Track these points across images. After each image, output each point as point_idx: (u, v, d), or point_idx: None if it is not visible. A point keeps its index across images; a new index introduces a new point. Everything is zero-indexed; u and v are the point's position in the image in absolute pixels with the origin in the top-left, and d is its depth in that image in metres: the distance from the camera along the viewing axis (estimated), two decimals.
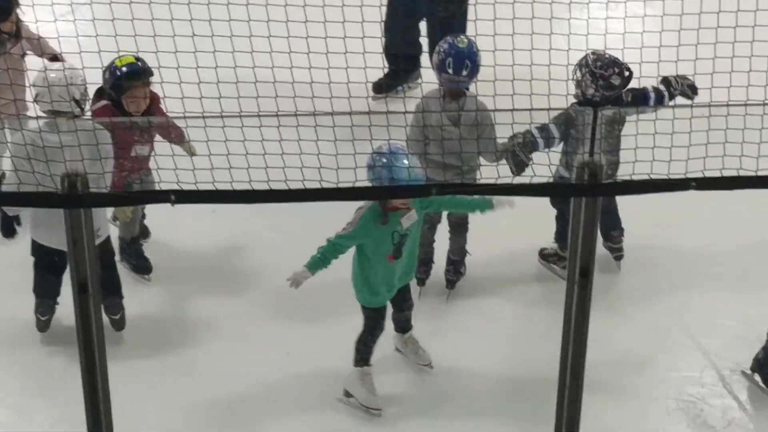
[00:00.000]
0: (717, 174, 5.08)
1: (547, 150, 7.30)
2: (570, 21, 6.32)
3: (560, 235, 7.87)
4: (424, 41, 9.41)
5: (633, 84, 7.41)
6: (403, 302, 7.16)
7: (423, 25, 9.44)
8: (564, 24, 6.22)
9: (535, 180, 5.65)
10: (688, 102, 7.28)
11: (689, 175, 5.00)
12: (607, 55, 7.26)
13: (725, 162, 5.27)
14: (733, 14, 5.90)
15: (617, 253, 8.05)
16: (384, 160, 6.42)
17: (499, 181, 5.65)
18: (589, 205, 5.27)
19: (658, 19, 6.18)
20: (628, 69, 7.25)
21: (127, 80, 7.28)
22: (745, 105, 5.51)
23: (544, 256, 8.13)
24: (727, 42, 5.72)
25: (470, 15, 6.16)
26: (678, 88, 7.46)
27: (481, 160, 7.38)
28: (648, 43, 6.03)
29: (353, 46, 5.86)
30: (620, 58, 7.17)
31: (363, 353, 7.03)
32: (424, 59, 9.21)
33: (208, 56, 5.85)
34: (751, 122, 5.47)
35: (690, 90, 7.44)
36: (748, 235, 8.36)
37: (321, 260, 6.67)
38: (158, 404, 7.00)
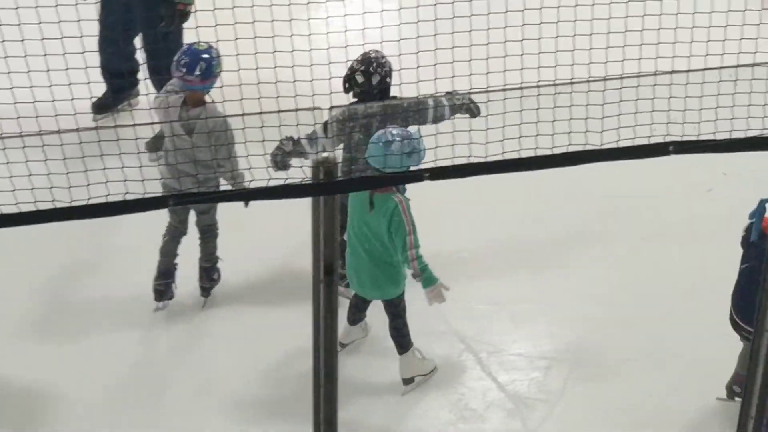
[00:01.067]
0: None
1: (315, 153, 7.17)
2: (309, 21, 6.34)
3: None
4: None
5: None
6: None
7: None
8: (303, 24, 6.25)
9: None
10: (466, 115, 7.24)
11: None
12: (372, 53, 7.15)
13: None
14: (467, 3, 6.06)
15: None
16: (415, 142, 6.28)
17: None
18: (327, 203, 5.37)
19: (396, 12, 6.28)
20: (381, 65, 7.15)
21: None
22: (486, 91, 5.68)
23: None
24: (464, 30, 5.90)
25: (212, 20, 6.05)
26: (461, 100, 7.23)
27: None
28: (387, 37, 6.14)
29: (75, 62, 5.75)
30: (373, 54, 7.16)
31: (404, 337, 7.20)
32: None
33: None
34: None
35: (474, 108, 7.20)
36: (492, 222, 8.57)
37: (430, 269, 6.77)
38: None
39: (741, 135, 5.58)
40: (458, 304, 7.46)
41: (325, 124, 6.91)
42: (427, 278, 6.77)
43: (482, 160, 5.22)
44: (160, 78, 8.26)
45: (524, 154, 5.64)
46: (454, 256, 8.16)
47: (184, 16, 8.75)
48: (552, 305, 7.81)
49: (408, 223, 6.72)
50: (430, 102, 7.10)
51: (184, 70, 7.08)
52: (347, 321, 7.43)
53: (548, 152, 5.71)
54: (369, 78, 7.18)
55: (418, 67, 5.74)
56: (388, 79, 7.23)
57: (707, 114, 5.62)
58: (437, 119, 7.15)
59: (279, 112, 5.52)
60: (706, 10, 6.25)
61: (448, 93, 7.07)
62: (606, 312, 7.68)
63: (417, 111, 7.02)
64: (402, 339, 7.24)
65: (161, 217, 7.43)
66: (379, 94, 7.23)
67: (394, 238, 6.77)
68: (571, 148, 5.62)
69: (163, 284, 7.64)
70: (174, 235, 7.54)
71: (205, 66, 7.07)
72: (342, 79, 7.08)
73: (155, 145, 7.88)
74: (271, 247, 8.14)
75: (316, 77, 5.88)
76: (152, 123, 7.33)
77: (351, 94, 7.25)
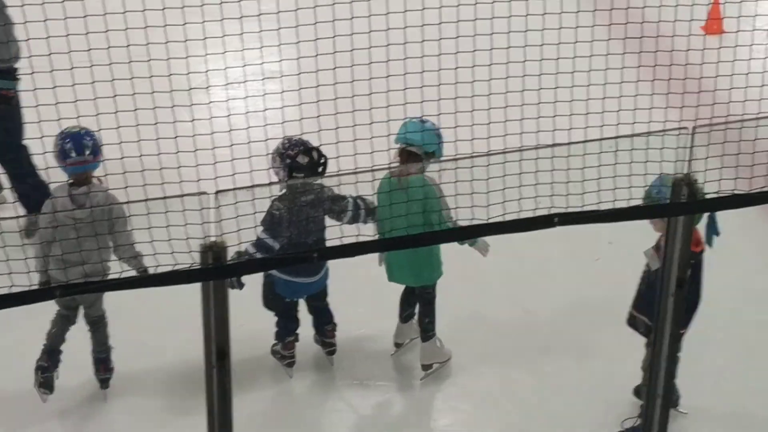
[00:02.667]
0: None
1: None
2: (192, 107, 6.33)
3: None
4: None
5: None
6: None
7: None
8: (186, 111, 6.24)
9: None
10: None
11: None
12: (295, 138, 7.08)
13: None
14: (349, 85, 6.10)
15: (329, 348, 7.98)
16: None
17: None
18: (218, 287, 5.35)
19: (279, 95, 6.31)
20: (318, 152, 7.07)
21: None
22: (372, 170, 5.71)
23: (272, 349, 7.93)
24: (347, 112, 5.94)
25: (93, 109, 6.01)
26: (372, 215, 7.29)
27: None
28: (271, 120, 6.16)
29: None
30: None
31: (431, 323, 7.69)
32: None
33: None
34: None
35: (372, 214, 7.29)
36: None
37: None
38: None
39: (624, 204, 5.69)
40: None
41: (271, 217, 6.87)
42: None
43: (370, 239, 5.27)
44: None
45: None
46: None
47: (7, 101, 8.61)
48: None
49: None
50: (351, 203, 7.20)
51: (74, 153, 6.98)
52: (399, 319, 7.87)
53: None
54: (310, 155, 7.11)
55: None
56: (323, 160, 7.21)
57: (590, 185, 5.71)
58: (353, 219, 7.23)
59: (164, 198, 5.50)
60: (584, 83, 6.36)
61: (360, 198, 7.16)
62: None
63: (338, 204, 7.15)
64: (429, 325, 7.73)
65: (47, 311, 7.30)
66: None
67: (432, 214, 6.97)
68: (458, 223, 5.69)
69: (48, 366, 7.42)
70: (63, 324, 7.41)
71: (91, 142, 6.98)
72: (287, 169, 7.07)
73: (30, 231, 7.77)
74: (165, 333, 8.04)
75: (201, 162, 5.86)
76: (36, 214, 7.22)
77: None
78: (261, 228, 6.98)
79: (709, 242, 6.61)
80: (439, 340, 7.83)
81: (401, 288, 7.82)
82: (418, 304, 7.81)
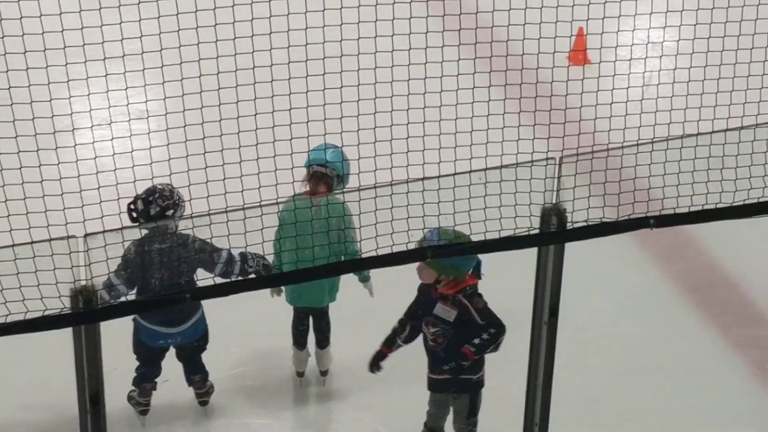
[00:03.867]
0: None
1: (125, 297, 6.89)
2: (57, 150, 6.25)
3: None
4: None
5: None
6: None
7: None
8: (52, 154, 6.18)
9: None
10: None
11: None
12: (159, 185, 7.08)
13: None
14: (217, 123, 6.07)
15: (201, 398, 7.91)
16: None
17: None
18: (89, 331, 5.31)
19: (146, 135, 6.27)
20: (144, 200, 7.09)
21: None
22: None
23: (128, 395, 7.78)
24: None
25: None
26: (252, 266, 7.23)
27: None
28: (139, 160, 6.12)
29: None
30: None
31: (329, 332, 8.03)
32: None
33: None
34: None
35: (264, 269, 7.25)
36: None
37: None
38: None
39: (495, 236, 5.75)
40: None
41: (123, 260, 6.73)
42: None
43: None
44: None
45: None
46: None
47: None
48: None
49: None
50: (224, 255, 7.12)
51: None
52: (298, 347, 8.01)
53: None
54: (147, 207, 7.11)
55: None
56: (169, 212, 7.14)
57: (461, 217, 5.77)
58: (225, 273, 7.13)
59: (32, 243, 5.41)
60: (451, 116, 6.41)
61: (241, 253, 7.14)
62: None
63: (208, 257, 7.09)
64: (327, 334, 8.00)
65: None
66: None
67: (344, 235, 6.97)
68: (332, 259, 5.70)
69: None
70: None
71: None
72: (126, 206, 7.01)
73: None
74: (38, 380, 7.91)
75: (69, 205, 5.78)
76: None
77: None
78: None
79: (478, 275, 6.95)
80: (331, 346, 8.10)
81: (270, 323, 7.86)
82: (314, 319, 7.94)
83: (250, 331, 8.39)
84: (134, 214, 7.12)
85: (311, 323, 7.99)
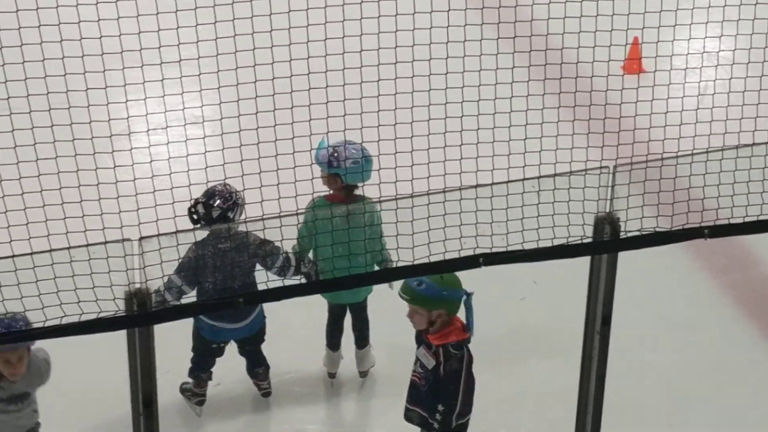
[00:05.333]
0: None
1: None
2: (113, 154, 6.29)
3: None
4: None
5: None
6: None
7: None
8: (108, 157, 6.23)
9: None
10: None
11: None
12: (219, 186, 7.17)
13: None
14: (272, 129, 6.09)
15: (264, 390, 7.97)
16: None
17: None
18: (143, 334, 5.34)
19: (201, 140, 6.32)
20: (225, 199, 7.16)
21: None
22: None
23: (181, 388, 7.89)
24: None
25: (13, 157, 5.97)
26: (306, 268, 7.32)
27: None
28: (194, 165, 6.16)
29: None
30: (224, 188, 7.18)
31: (368, 331, 8.05)
32: None
33: None
34: None
35: (315, 276, 7.28)
36: None
37: None
38: None
39: (548, 244, 5.73)
40: None
41: (187, 261, 6.83)
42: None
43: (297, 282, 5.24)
44: None
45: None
46: None
47: None
48: None
49: None
50: (281, 257, 7.17)
51: None
52: (331, 348, 8.01)
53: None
54: (209, 210, 7.16)
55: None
56: (230, 213, 7.19)
57: (514, 225, 5.75)
58: (280, 272, 7.18)
59: (87, 246, 5.46)
60: (505, 124, 6.41)
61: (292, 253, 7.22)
62: None
63: (268, 255, 7.11)
64: (365, 333, 8.01)
65: None
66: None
67: (373, 238, 6.88)
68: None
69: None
70: None
71: None
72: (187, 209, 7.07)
73: None
74: (91, 381, 7.97)
75: (124, 209, 5.83)
76: None
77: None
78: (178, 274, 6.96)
79: (470, 328, 6.61)
80: (372, 346, 8.10)
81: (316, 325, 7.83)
82: (352, 317, 7.95)
83: (298, 335, 8.43)
84: (195, 217, 7.18)
85: (347, 323, 8.01)
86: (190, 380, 7.81)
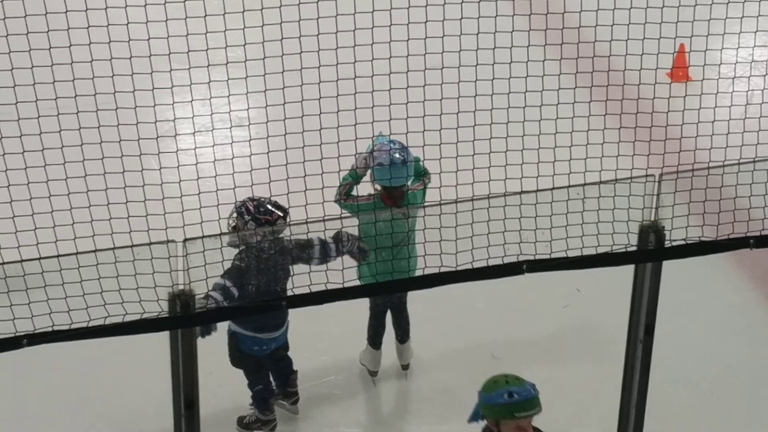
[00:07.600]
0: None
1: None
2: (159, 155, 6.32)
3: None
4: None
5: None
6: None
7: None
8: (154, 159, 6.25)
9: None
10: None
11: None
12: (264, 200, 7.03)
13: None
14: (317, 132, 6.10)
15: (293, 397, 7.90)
16: None
17: None
18: (185, 335, 5.36)
19: (246, 142, 6.33)
20: (285, 210, 7.03)
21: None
22: None
23: (243, 423, 7.79)
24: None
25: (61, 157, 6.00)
26: (347, 245, 7.17)
27: None
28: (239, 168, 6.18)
29: None
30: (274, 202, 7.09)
31: (409, 325, 8.04)
32: None
33: None
34: None
35: (359, 253, 7.18)
36: None
37: None
38: None
39: (592, 251, 5.70)
40: None
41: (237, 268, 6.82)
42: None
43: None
44: None
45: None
46: None
47: None
48: None
49: None
50: (316, 240, 7.03)
51: None
52: (374, 347, 8.04)
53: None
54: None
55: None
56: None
57: (558, 232, 5.72)
58: (324, 257, 7.08)
59: (132, 246, 5.48)
60: (551, 131, 6.39)
61: (335, 235, 7.10)
62: None
63: (304, 248, 7.02)
64: (407, 327, 8.03)
65: None
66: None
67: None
68: (427, 271, 5.70)
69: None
70: None
71: None
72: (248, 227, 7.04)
73: None
74: (133, 381, 7.99)
75: (169, 210, 5.85)
76: None
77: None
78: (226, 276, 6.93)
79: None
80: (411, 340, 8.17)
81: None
82: (393, 314, 7.96)
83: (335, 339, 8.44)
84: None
85: (388, 321, 8.01)
86: (248, 413, 7.75)
